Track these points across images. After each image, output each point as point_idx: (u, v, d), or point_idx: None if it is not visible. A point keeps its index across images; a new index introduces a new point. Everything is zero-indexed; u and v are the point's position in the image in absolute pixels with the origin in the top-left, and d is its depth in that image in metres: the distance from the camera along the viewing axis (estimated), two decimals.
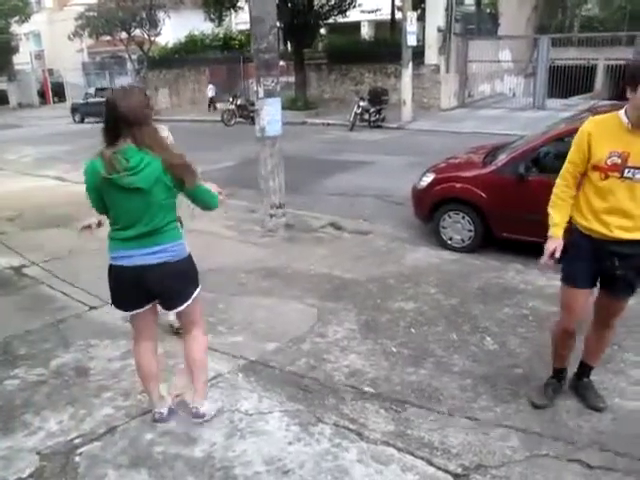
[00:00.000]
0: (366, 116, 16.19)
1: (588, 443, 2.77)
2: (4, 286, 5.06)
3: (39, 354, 3.77)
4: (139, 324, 2.83)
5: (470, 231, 5.81)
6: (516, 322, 4.09)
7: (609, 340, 3.12)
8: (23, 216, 7.49)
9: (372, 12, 27.82)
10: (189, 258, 2.77)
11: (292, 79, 20.86)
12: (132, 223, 2.57)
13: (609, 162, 2.62)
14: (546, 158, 5.33)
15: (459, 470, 2.62)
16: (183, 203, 2.81)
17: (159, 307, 2.85)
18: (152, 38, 27.87)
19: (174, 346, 3.66)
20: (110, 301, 2.81)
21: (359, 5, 21.46)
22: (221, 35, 27.00)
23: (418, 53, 17.54)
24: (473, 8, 21.68)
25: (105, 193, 2.55)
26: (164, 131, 3.15)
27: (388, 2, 24.48)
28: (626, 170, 2.59)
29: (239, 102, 18.92)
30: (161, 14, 27.66)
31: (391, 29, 23.91)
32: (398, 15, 21.81)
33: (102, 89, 25.02)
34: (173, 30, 27.98)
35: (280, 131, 6.37)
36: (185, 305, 2.76)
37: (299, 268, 5.29)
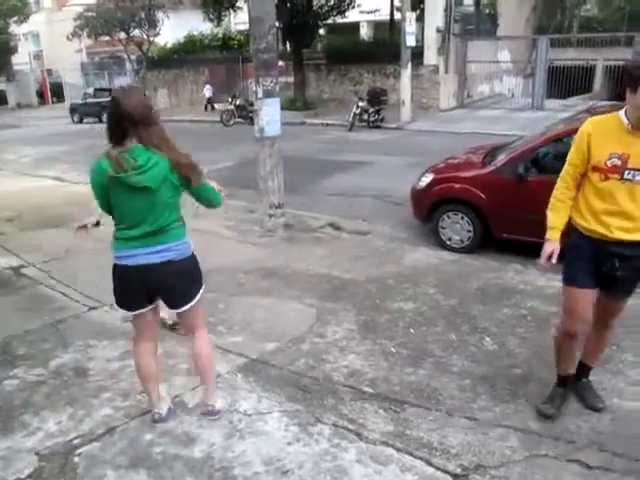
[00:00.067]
0: (365, 116, 16.20)
1: (587, 443, 2.77)
2: (3, 286, 5.06)
3: (38, 354, 3.77)
4: (141, 324, 2.83)
5: (469, 231, 5.81)
6: (515, 322, 4.09)
7: (608, 340, 3.12)
8: (22, 216, 7.48)
9: (371, 12, 27.84)
10: (193, 257, 2.78)
11: (291, 79, 20.85)
12: (138, 222, 2.58)
13: (609, 163, 2.60)
14: (545, 158, 5.34)
15: (458, 470, 2.62)
16: (187, 201, 2.82)
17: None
18: (151, 38, 27.89)
19: (174, 346, 3.67)
20: (114, 301, 2.80)
21: (358, 5, 21.45)
22: (220, 35, 27.03)
23: (417, 53, 17.56)
24: (472, 9, 21.68)
25: (111, 193, 2.56)
26: None
27: (387, 2, 24.52)
28: (626, 172, 2.58)
29: (238, 102, 18.91)
30: (160, 14, 27.68)
31: (390, 29, 23.93)
32: (397, 15, 21.85)
33: (101, 89, 25.05)
34: (172, 30, 28.00)
35: (279, 131, 6.38)
36: (189, 306, 2.77)
37: (298, 268, 5.29)
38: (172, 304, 2.79)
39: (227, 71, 24.23)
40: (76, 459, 2.75)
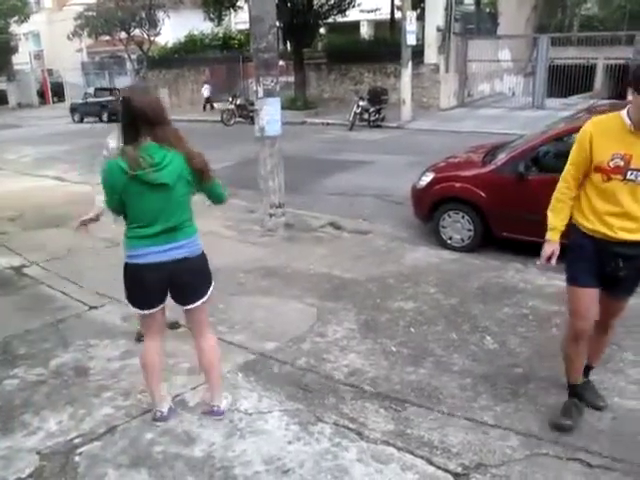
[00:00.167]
0: (365, 116, 16.19)
1: (588, 442, 2.77)
2: (4, 286, 5.06)
3: (39, 354, 3.77)
4: (150, 323, 2.83)
5: (470, 230, 5.81)
6: (516, 321, 4.09)
7: (609, 340, 3.12)
8: (24, 216, 7.50)
9: (371, 11, 27.85)
10: (204, 255, 2.83)
11: (291, 79, 20.85)
12: (152, 220, 2.61)
13: (612, 164, 2.59)
14: (545, 157, 5.34)
15: (459, 469, 2.62)
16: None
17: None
18: (151, 38, 27.90)
19: (174, 346, 3.66)
20: (129, 301, 2.78)
21: (358, 5, 21.44)
22: (220, 35, 27.02)
23: (417, 52, 17.55)
24: (472, 7, 21.68)
25: (127, 192, 2.56)
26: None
27: (387, 1, 24.50)
28: (629, 172, 2.56)
29: (238, 102, 18.91)
30: (160, 14, 27.70)
31: (390, 28, 23.91)
32: (397, 14, 21.84)
33: (101, 89, 25.08)
34: (172, 30, 28.00)
35: (279, 131, 6.38)
36: (200, 302, 2.80)
37: (298, 268, 5.29)
38: (184, 300, 2.80)
39: (228, 71, 24.22)
40: (77, 458, 2.75)
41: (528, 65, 21.63)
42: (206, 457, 2.74)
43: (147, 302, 2.74)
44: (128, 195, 2.57)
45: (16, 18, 31.99)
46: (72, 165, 11.91)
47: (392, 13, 24.15)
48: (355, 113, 16.07)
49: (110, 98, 21.55)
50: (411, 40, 16.25)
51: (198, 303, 2.80)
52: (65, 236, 6.35)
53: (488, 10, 23.04)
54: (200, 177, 2.67)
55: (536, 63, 18.54)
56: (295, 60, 20.52)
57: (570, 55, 21.19)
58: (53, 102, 34.89)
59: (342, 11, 20.83)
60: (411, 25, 16.14)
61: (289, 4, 18.93)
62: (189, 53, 26.56)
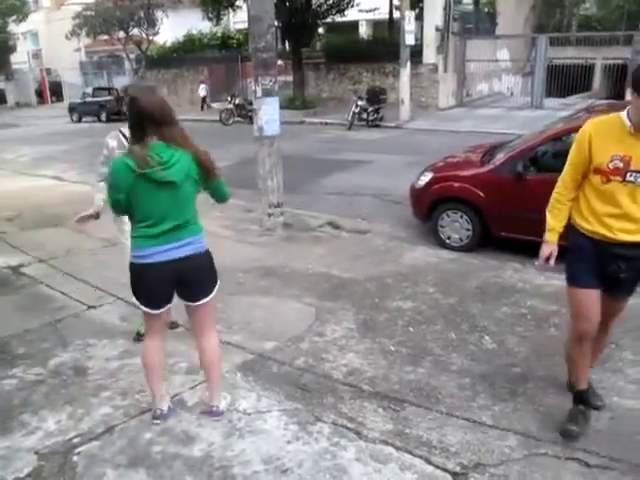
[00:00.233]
0: (364, 115, 16.19)
1: (586, 442, 2.77)
2: (3, 286, 5.05)
3: (37, 353, 3.77)
4: (154, 322, 2.83)
5: (468, 230, 5.81)
6: (514, 321, 4.09)
7: (607, 340, 3.11)
8: (22, 216, 7.48)
9: (370, 11, 27.83)
10: (209, 252, 2.85)
11: (290, 78, 20.86)
12: (161, 219, 2.61)
13: (611, 166, 2.57)
14: (544, 157, 5.34)
15: (458, 469, 2.62)
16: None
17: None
18: (150, 37, 27.89)
19: (174, 346, 3.66)
20: (140, 302, 2.77)
21: (357, 4, 21.43)
22: (219, 34, 27.02)
23: (416, 52, 17.56)
24: (471, 7, 21.69)
25: (133, 190, 2.56)
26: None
27: (386, 1, 24.51)
28: (628, 174, 2.55)
29: (237, 101, 18.92)
30: (159, 13, 27.69)
31: (389, 28, 23.93)
32: (396, 14, 21.83)
33: (100, 89, 25.05)
34: (171, 29, 28.01)
35: (278, 130, 6.37)
36: (208, 298, 2.82)
37: (297, 267, 5.29)
38: (191, 297, 2.81)
39: (226, 70, 24.22)
40: (75, 458, 2.75)
41: (527, 65, 21.67)
42: (205, 457, 2.74)
43: (154, 302, 2.74)
44: (135, 194, 2.57)
45: (14, 17, 31.95)
46: (70, 165, 11.91)
47: (391, 13, 24.15)
48: (354, 113, 16.07)
49: (109, 98, 21.56)
50: (410, 40, 16.26)
51: (204, 300, 2.81)
52: (64, 236, 6.35)
53: (487, 10, 23.04)
54: (207, 175, 2.69)
55: (535, 63, 18.57)
56: (294, 60, 20.53)
57: (568, 55, 21.24)
58: (51, 101, 34.88)
59: (341, 11, 20.84)
60: (410, 25, 16.15)
61: (288, 4, 18.92)
62: (188, 53, 26.55)
